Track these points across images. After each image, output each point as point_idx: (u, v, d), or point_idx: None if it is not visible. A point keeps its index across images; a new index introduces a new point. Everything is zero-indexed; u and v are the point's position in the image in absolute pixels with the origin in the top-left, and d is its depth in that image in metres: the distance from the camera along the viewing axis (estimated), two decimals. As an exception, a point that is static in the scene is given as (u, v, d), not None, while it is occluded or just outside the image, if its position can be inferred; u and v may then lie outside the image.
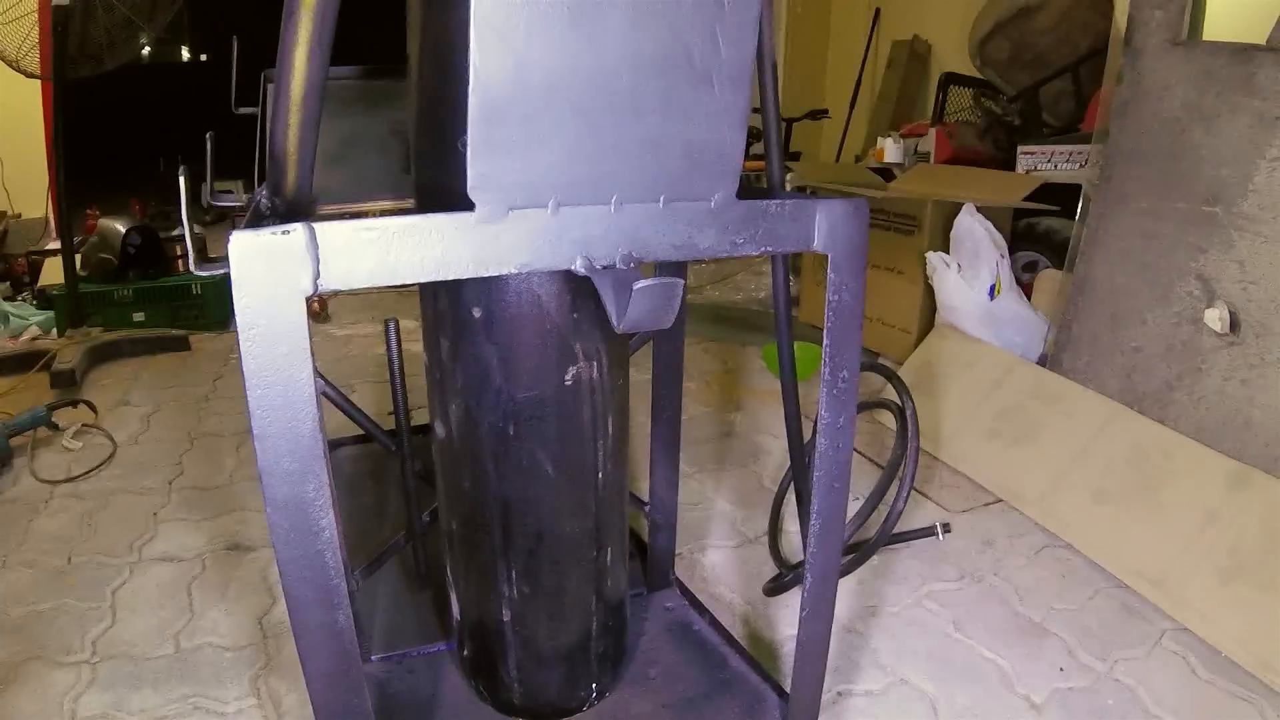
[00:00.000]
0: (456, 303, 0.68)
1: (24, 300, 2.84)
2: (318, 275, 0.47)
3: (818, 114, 3.63)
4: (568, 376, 0.70)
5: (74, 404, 1.92)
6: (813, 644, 0.77)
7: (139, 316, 2.66)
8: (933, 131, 2.73)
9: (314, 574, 0.52)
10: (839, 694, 1.06)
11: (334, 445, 1.44)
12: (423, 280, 0.50)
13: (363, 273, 0.49)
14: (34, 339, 2.56)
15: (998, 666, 1.11)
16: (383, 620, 1.00)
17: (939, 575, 1.31)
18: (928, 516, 1.47)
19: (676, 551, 1.39)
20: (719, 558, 1.39)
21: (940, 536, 1.33)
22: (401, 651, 0.95)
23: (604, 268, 0.54)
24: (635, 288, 0.47)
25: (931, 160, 2.72)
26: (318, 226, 0.47)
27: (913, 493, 1.53)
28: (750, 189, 0.77)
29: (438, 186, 0.66)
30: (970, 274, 1.83)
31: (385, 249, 0.48)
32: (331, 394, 0.87)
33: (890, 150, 2.86)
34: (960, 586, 1.28)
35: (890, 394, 1.26)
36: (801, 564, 1.20)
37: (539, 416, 0.70)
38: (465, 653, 0.85)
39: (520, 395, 0.69)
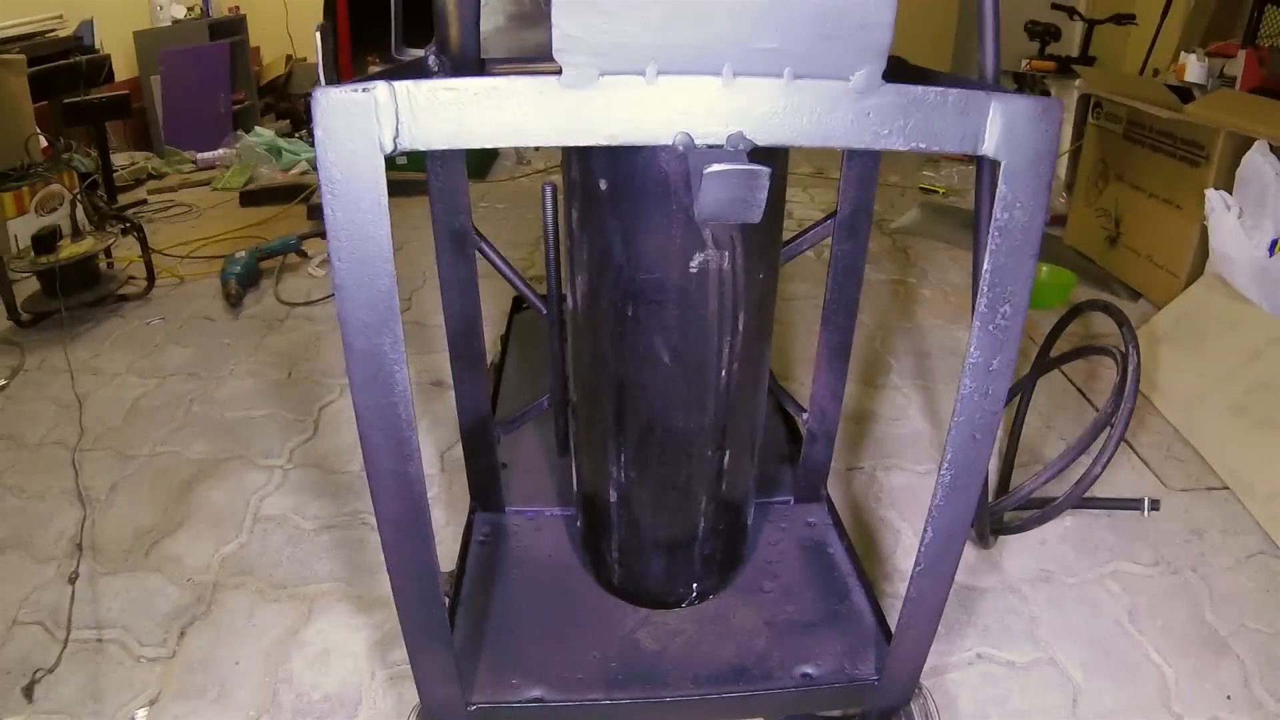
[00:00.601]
0: (586, 173, 0.65)
1: (300, 138, 3.21)
2: (397, 134, 0.47)
3: (1123, 19, 3.04)
4: (693, 263, 0.65)
5: (324, 235, 2.17)
6: (923, 602, 0.70)
7: (401, 160, 2.92)
8: (1242, 54, 2.19)
9: (387, 423, 0.54)
10: (978, 655, 0.98)
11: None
12: (500, 145, 0.47)
13: (441, 134, 0.47)
14: (302, 174, 2.90)
15: (1161, 674, 0.95)
16: (527, 477, 1.06)
17: (1132, 554, 1.13)
18: (1142, 486, 1.27)
19: (858, 465, 1.33)
20: (902, 480, 1.30)
21: (1146, 513, 1.14)
22: (535, 509, 1.00)
23: (710, 147, 0.48)
24: (706, 172, 0.41)
25: (1237, 86, 2.20)
26: (398, 85, 0.45)
27: (1133, 459, 1.33)
28: (909, 71, 0.65)
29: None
30: (1251, 222, 1.48)
31: (464, 111, 0.46)
32: (489, 252, 0.89)
33: (1192, 68, 2.35)
34: (1151, 574, 1.10)
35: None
36: (994, 508, 1.10)
37: (659, 301, 0.67)
38: (579, 524, 0.88)
39: (640, 276, 0.66)
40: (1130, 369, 0.97)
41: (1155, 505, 1.14)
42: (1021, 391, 1.29)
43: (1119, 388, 1.00)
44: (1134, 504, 1.15)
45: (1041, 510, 1.07)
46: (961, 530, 0.66)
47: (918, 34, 3.48)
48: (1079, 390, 1.55)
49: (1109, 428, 1.01)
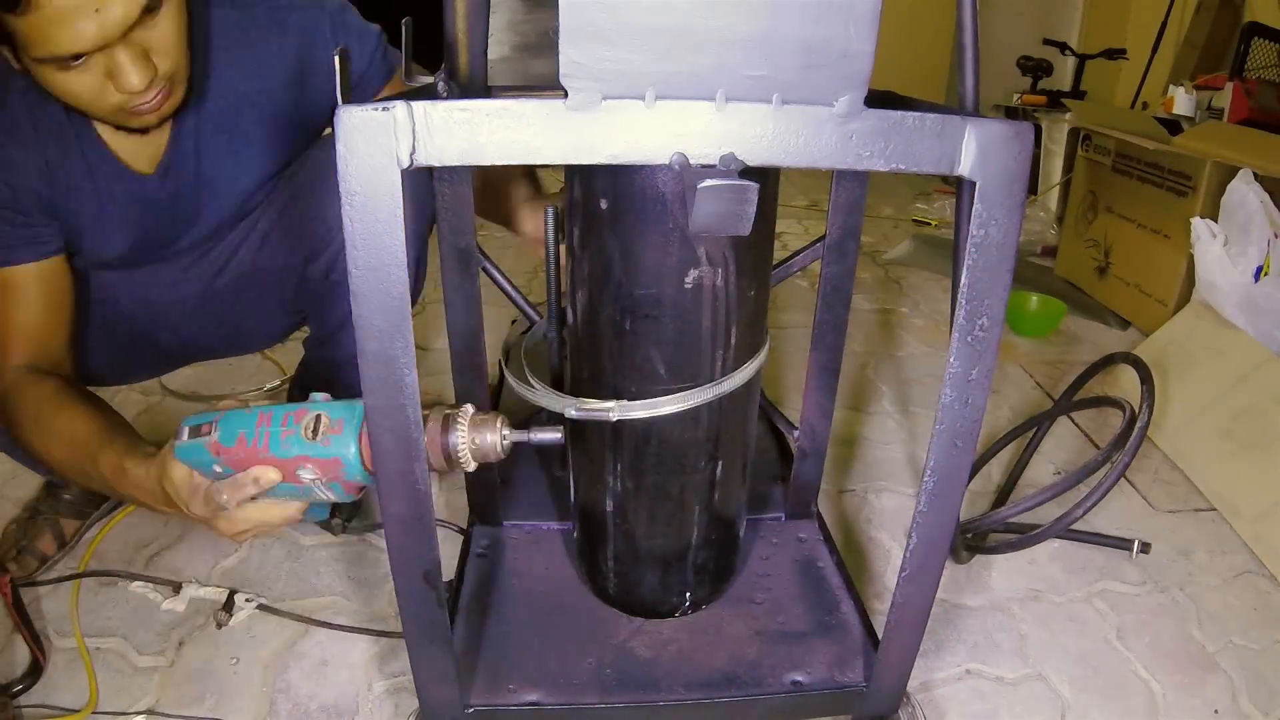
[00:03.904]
0: (588, 192, 0.69)
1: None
2: (414, 150, 0.50)
3: (1114, 54, 3.14)
4: (688, 279, 0.68)
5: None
6: (909, 608, 0.72)
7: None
8: (1229, 86, 2.27)
9: (396, 424, 0.57)
10: (967, 671, 0.99)
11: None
12: (510, 162, 0.51)
13: (454, 151, 0.50)
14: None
15: (1149, 690, 0.97)
16: (524, 492, 1.08)
17: (1120, 575, 1.15)
18: (1130, 509, 1.30)
19: (849, 488, 1.36)
20: (893, 503, 1.32)
21: (1134, 555, 1.16)
22: (534, 523, 1.02)
23: (704, 167, 0.51)
24: (700, 187, 0.44)
25: (1225, 118, 2.27)
26: (415, 105, 0.49)
27: (1121, 482, 1.35)
28: (894, 100, 0.69)
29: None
30: (1237, 250, 1.52)
31: (475, 130, 0.50)
32: (492, 270, 0.92)
33: (1180, 101, 2.43)
34: (1139, 593, 1.12)
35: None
36: (964, 526, 1.12)
37: (655, 315, 0.70)
38: (575, 536, 0.90)
39: (638, 292, 0.69)
40: (1140, 424, 1.00)
41: (1145, 548, 1.15)
42: (1037, 427, 1.32)
43: (1120, 437, 1.02)
44: (1123, 544, 1.17)
45: (1019, 536, 1.10)
46: (945, 536, 0.69)
47: (911, 69, 3.58)
48: (1084, 433, 1.57)
49: (1104, 467, 1.03)
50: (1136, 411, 1.03)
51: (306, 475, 0.67)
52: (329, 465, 0.66)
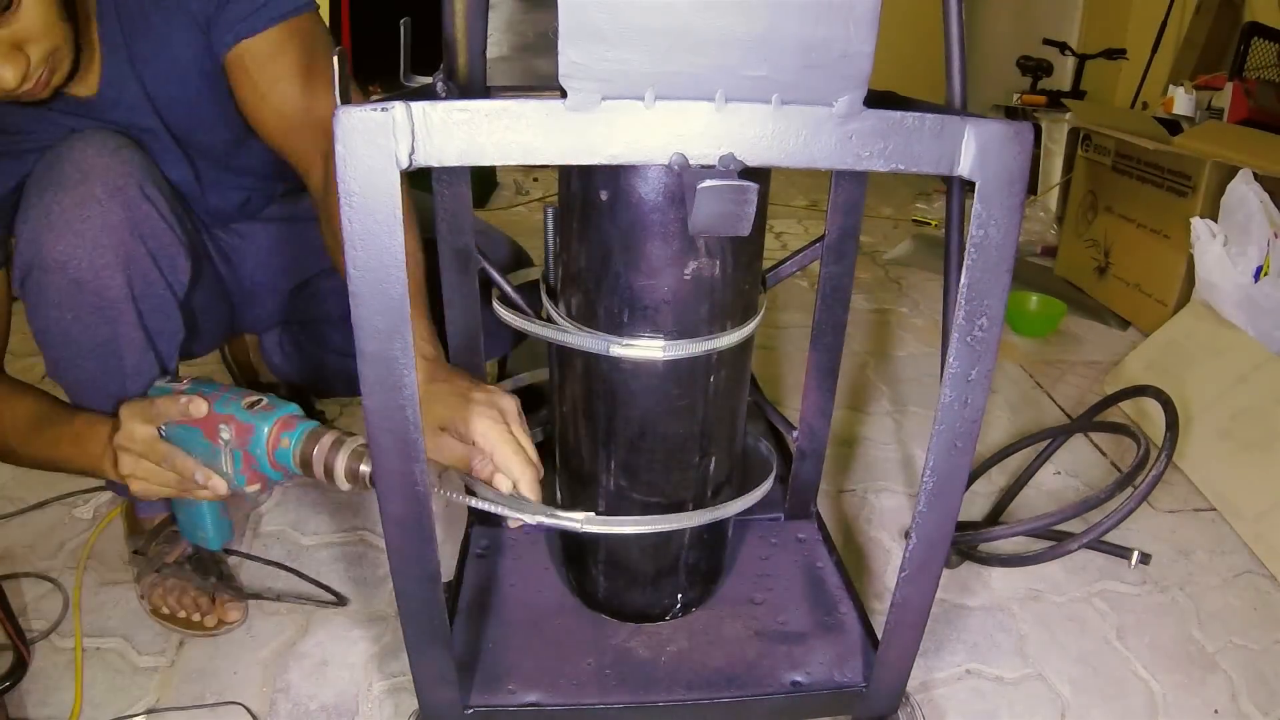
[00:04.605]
0: (587, 185, 0.68)
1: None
2: (413, 151, 0.50)
3: (1114, 53, 3.14)
4: (687, 271, 0.68)
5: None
6: (909, 608, 0.72)
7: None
8: (1229, 86, 2.27)
9: (395, 425, 0.57)
10: (967, 671, 0.99)
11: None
12: (509, 163, 0.51)
13: (453, 152, 0.50)
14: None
15: (1149, 689, 0.97)
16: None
17: (1119, 575, 1.15)
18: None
19: (849, 488, 1.36)
20: (893, 503, 1.33)
21: (1132, 565, 1.15)
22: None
23: (704, 167, 0.51)
24: (700, 187, 0.44)
25: (1225, 118, 2.28)
26: (414, 105, 0.49)
27: (1120, 485, 1.35)
28: (894, 100, 0.69)
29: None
30: (1236, 249, 1.53)
31: (475, 130, 0.50)
32: (490, 271, 0.92)
33: (1180, 101, 2.44)
34: (1139, 593, 1.12)
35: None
36: (973, 529, 1.12)
37: (654, 307, 0.70)
38: (560, 539, 0.90)
39: (638, 283, 0.69)
40: (1155, 471, 1.00)
41: (1145, 559, 1.15)
42: (1051, 439, 1.32)
43: (1128, 476, 1.02)
44: (1123, 552, 1.17)
45: (1006, 556, 1.11)
46: (944, 537, 0.68)
47: (912, 69, 3.57)
48: (1094, 445, 1.56)
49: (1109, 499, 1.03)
50: (1148, 448, 1.03)
51: (224, 434, 0.78)
52: (244, 429, 0.77)
